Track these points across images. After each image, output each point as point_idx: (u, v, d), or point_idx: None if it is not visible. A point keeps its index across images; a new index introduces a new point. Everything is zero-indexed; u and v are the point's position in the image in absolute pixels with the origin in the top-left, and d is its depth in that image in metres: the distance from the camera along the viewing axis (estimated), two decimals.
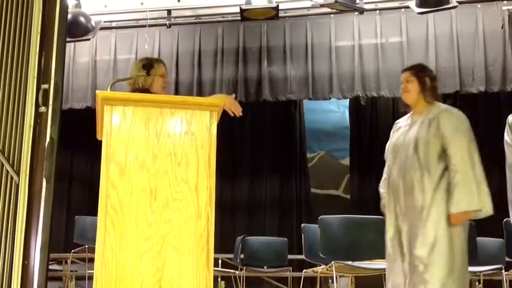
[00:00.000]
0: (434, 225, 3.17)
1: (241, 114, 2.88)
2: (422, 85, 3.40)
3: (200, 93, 6.64)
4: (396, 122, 3.61)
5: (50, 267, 4.45)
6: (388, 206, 3.44)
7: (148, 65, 3.13)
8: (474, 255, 4.84)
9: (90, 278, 5.65)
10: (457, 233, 3.19)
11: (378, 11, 6.38)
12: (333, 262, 4.60)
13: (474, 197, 3.14)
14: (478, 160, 3.23)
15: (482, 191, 3.16)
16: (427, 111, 3.37)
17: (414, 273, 3.17)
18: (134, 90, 3.15)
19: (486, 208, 3.16)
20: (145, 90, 3.14)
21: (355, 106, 8.04)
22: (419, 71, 3.47)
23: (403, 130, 3.46)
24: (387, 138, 3.61)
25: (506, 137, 3.74)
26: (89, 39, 6.46)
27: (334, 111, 8.72)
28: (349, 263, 4.48)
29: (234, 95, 2.96)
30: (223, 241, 6.09)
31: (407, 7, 6.08)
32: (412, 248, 3.21)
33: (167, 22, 6.64)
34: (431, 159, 3.23)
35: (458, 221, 3.18)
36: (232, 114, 2.87)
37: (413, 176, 3.26)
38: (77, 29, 6.23)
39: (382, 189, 3.60)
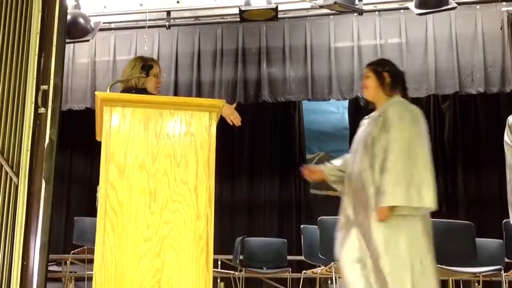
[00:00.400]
0: (378, 226, 3.02)
1: (240, 124, 2.90)
2: (381, 81, 3.29)
3: (199, 94, 6.64)
4: (364, 118, 3.50)
5: (49, 268, 4.44)
6: (344, 203, 3.33)
7: (147, 66, 3.14)
8: (473, 256, 4.84)
9: (90, 279, 5.65)
10: (409, 231, 3.00)
11: (377, 12, 6.39)
12: (332, 263, 4.60)
13: (400, 191, 2.94)
14: (420, 152, 3.03)
15: (413, 184, 2.95)
16: (383, 107, 3.25)
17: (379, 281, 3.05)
18: (128, 89, 3.16)
19: (423, 203, 2.94)
20: (142, 90, 3.15)
21: (355, 107, 8.04)
22: (377, 66, 3.36)
23: (364, 127, 3.38)
24: None
25: (506, 137, 3.74)
26: (88, 41, 6.47)
27: (333, 112, 8.72)
28: None
29: (235, 104, 2.98)
30: (222, 242, 6.09)
31: (407, 8, 6.08)
32: (367, 248, 3.08)
33: (166, 23, 6.64)
34: (376, 155, 3.10)
35: (383, 215, 2.98)
36: (231, 123, 2.90)
37: (362, 172, 3.15)
38: (76, 30, 6.23)
39: (337, 161, 3.48)
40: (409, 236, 3.01)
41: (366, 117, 3.46)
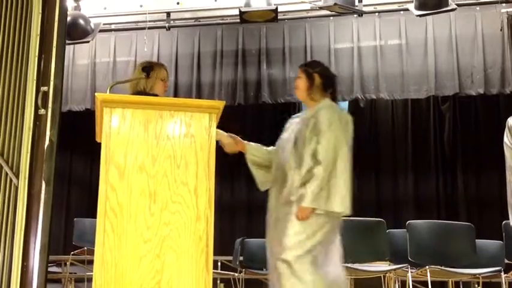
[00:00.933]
0: (294, 221, 3.15)
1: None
2: (311, 82, 3.35)
3: (199, 96, 6.64)
4: (292, 116, 3.57)
5: (49, 269, 4.44)
6: (271, 198, 3.46)
7: (148, 67, 3.14)
8: (473, 258, 4.85)
9: (89, 280, 5.65)
10: (320, 230, 3.15)
11: (377, 14, 6.39)
12: None
13: (320, 194, 3.09)
14: (344, 159, 3.15)
15: (333, 190, 3.10)
16: (315, 108, 3.33)
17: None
18: (138, 93, 3.17)
19: (331, 207, 3.10)
20: (154, 95, 3.16)
21: (354, 108, 8.04)
22: (308, 67, 3.42)
23: (293, 126, 3.43)
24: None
25: (505, 139, 3.75)
26: (88, 42, 6.48)
27: None
28: (349, 265, 4.48)
29: (237, 137, 3.13)
30: (222, 243, 6.09)
31: (407, 10, 6.08)
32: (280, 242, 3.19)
33: (166, 24, 6.65)
34: (305, 156, 3.19)
35: (302, 214, 3.13)
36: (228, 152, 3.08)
37: (287, 172, 3.26)
38: (76, 32, 6.25)
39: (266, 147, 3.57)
40: (316, 232, 3.16)
41: (295, 116, 3.54)
